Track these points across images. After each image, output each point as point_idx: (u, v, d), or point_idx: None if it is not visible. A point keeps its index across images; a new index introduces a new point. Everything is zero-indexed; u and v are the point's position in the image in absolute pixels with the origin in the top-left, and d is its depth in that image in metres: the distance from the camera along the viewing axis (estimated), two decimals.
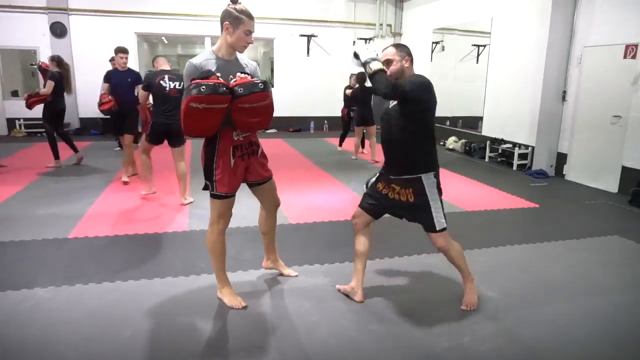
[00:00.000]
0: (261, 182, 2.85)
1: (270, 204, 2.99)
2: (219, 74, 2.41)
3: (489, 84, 8.47)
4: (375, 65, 2.46)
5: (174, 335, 2.48)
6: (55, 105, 6.37)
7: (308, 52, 11.43)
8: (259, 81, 2.47)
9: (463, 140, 8.94)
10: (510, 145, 7.64)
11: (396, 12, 11.74)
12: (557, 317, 2.74)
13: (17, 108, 10.02)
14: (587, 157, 6.37)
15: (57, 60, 6.47)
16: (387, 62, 2.58)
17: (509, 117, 7.90)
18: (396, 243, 3.86)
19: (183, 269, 3.29)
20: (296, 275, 3.23)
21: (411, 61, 2.64)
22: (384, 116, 2.73)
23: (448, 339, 2.48)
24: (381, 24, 11.57)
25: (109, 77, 5.83)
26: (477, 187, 6.14)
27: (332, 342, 2.44)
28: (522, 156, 7.37)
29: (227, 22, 2.51)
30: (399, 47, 2.64)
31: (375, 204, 2.81)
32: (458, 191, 5.83)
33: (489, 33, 8.35)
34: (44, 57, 9.73)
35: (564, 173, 6.73)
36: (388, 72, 2.54)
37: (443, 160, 7.84)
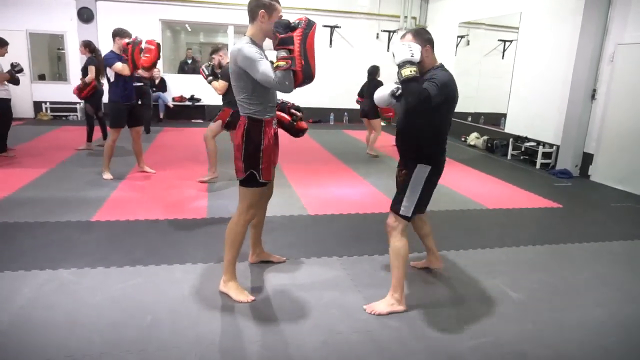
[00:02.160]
0: None
1: (268, 194, 3.06)
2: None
3: (515, 80, 8.30)
4: (407, 71, 2.34)
5: (193, 322, 2.50)
6: (97, 89, 6.54)
7: (331, 43, 11.34)
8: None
9: (485, 137, 8.79)
10: (534, 144, 7.48)
11: (421, 5, 11.56)
12: (582, 323, 2.68)
13: (44, 91, 10.24)
14: (614, 159, 6.20)
15: (88, 45, 6.61)
16: None
17: (534, 115, 7.73)
18: (414, 240, 3.82)
19: (202, 256, 3.31)
20: (284, 261, 3.29)
21: (431, 48, 2.56)
22: (400, 108, 2.76)
23: (469, 340, 2.45)
24: (406, 17, 11.41)
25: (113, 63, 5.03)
26: (498, 184, 6.04)
27: (353, 337, 2.43)
28: (546, 155, 7.22)
29: (262, 11, 2.55)
30: (417, 34, 2.54)
31: None
32: (479, 188, 5.74)
33: (517, 28, 8.16)
34: (71, 42, 9.91)
35: (589, 174, 6.57)
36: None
37: (464, 156, 7.84)
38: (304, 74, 2.37)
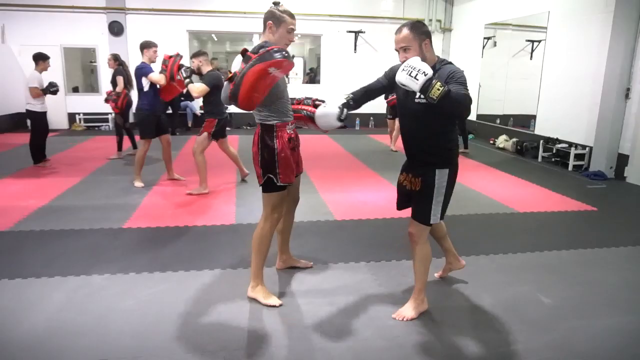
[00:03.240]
0: (295, 175, 2.90)
1: (294, 200, 3.06)
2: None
3: (544, 81, 8.11)
4: (437, 91, 2.04)
5: (221, 327, 2.53)
6: (128, 98, 6.79)
7: (355, 49, 11.36)
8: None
9: (514, 139, 8.61)
10: (565, 145, 7.28)
11: (446, 7, 11.46)
12: (615, 331, 2.58)
13: (78, 103, 10.61)
14: None
15: (116, 58, 6.85)
16: (404, 50, 2.32)
17: (565, 116, 7.53)
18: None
19: (231, 262, 3.35)
20: (311, 266, 3.28)
21: (430, 42, 2.35)
22: (404, 110, 2.53)
23: (499, 347, 2.40)
24: (430, 20, 11.33)
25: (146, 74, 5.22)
26: (529, 187, 5.90)
27: (379, 343, 2.41)
28: (579, 156, 7.01)
29: (270, 22, 2.60)
30: (413, 28, 2.31)
31: (399, 198, 2.78)
32: (509, 191, 5.62)
33: (545, 28, 7.99)
34: (102, 55, 10.24)
35: (624, 175, 6.34)
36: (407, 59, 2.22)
37: (493, 159, 7.70)
38: (231, 92, 2.44)
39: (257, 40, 11.14)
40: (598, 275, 3.30)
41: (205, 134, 5.12)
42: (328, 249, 3.67)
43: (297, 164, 2.87)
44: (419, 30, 2.32)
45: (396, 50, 2.38)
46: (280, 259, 3.25)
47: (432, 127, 2.42)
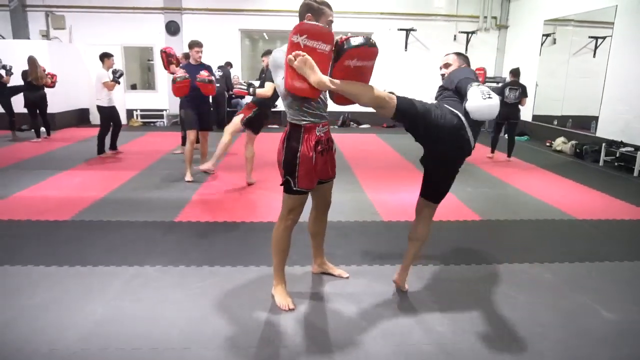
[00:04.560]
0: (326, 180, 2.80)
1: (324, 204, 2.93)
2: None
3: (608, 80, 7.65)
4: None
5: (266, 323, 2.56)
6: None
7: (406, 47, 11.18)
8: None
9: (573, 142, 8.18)
10: (631, 149, 6.84)
11: (502, 3, 11.05)
12: None
13: (135, 100, 11.09)
14: None
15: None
16: (446, 66, 2.75)
17: (631, 117, 7.07)
18: (493, 250, 3.64)
19: None
20: (347, 277, 3.11)
21: (468, 66, 2.77)
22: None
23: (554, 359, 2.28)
24: (485, 17, 10.97)
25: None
26: (590, 193, 5.58)
27: (427, 348, 2.35)
28: None
29: (309, 15, 2.47)
30: (459, 55, 2.80)
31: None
32: (567, 197, 5.34)
33: (612, 23, 7.53)
34: (159, 54, 10.62)
35: None
36: (446, 74, 2.73)
37: (549, 162, 7.36)
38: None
39: None
40: None
41: (241, 115, 5.12)
42: (375, 251, 3.63)
43: (327, 168, 2.72)
44: (462, 58, 2.76)
45: (442, 66, 2.80)
46: (315, 262, 3.18)
47: None
